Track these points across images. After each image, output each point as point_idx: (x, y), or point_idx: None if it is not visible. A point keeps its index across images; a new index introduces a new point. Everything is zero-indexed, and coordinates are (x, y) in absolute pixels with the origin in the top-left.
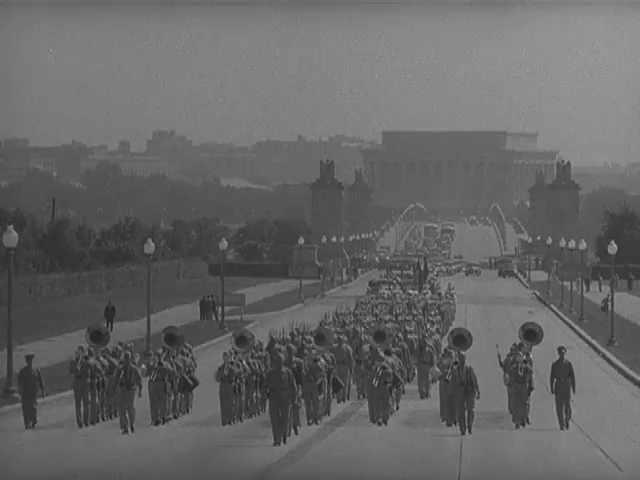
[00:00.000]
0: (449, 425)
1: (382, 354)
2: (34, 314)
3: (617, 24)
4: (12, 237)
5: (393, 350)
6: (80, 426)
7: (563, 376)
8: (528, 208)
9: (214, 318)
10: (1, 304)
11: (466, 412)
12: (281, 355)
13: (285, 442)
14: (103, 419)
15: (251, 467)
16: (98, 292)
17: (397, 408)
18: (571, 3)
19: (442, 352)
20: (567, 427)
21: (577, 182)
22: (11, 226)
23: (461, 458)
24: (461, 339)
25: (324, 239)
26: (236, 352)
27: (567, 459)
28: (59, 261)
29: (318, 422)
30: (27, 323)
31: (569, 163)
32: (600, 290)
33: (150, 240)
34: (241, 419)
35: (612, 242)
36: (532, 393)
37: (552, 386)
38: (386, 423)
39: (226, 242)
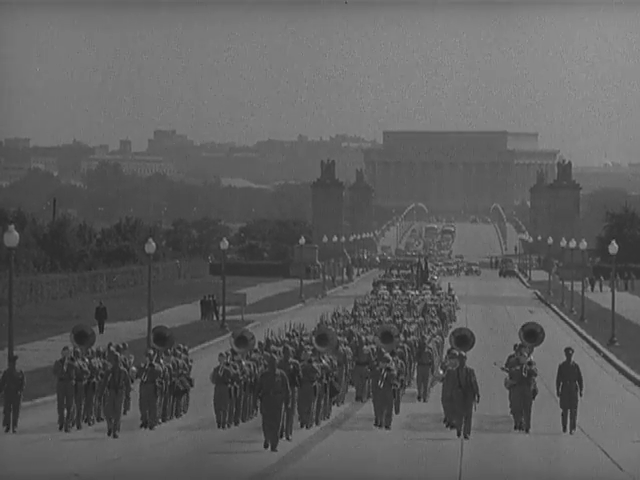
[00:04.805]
0: (451, 428)
1: (388, 355)
2: (34, 314)
3: (617, 24)
4: (13, 237)
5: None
6: (64, 430)
7: (570, 379)
8: (529, 208)
9: (215, 318)
10: (2, 304)
11: (464, 417)
12: (275, 357)
13: (275, 449)
14: (91, 422)
15: (246, 471)
16: (99, 292)
17: (397, 412)
18: (572, 3)
19: (445, 353)
20: (572, 433)
21: (578, 182)
22: (12, 226)
23: (462, 461)
24: (464, 339)
25: (325, 239)
26: (234, 353)
27: (568, 460)
28: (60, 261)
29: (312, 426)
30: (27, 323)
31: (570, 163)
32: (601, 290)
33: (151, 240)
34: (237, 422)
35: (613, 242)
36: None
37: (558, 389)
38: (388, 427)
39: (227, 242)
